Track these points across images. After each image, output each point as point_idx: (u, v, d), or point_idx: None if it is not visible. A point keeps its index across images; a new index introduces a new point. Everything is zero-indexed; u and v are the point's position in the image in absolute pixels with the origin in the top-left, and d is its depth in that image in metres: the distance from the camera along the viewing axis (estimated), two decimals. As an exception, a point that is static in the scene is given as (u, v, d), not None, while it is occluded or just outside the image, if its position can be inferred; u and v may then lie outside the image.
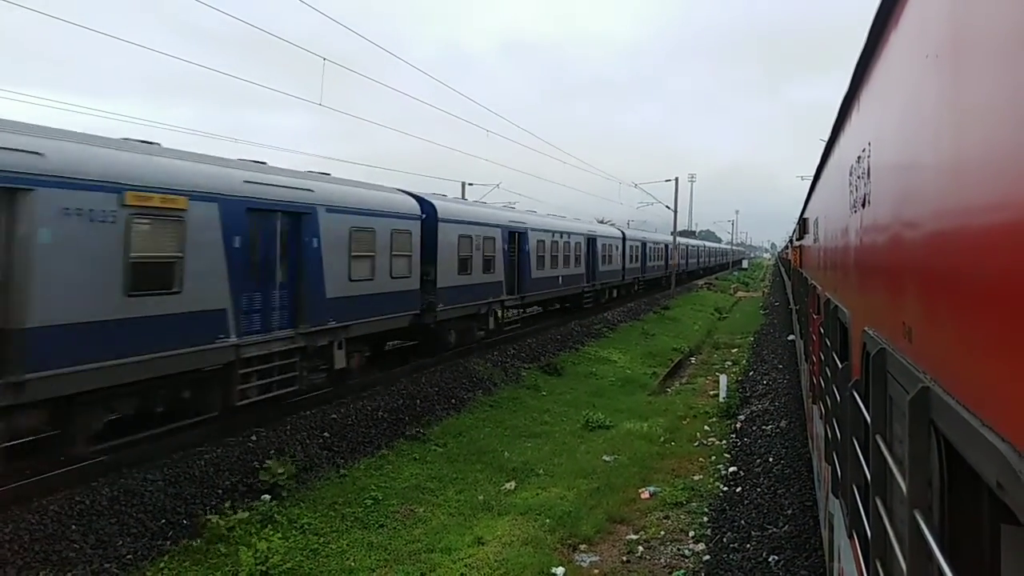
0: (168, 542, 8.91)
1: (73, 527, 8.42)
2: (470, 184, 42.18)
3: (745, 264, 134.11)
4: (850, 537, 3.48)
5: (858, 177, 3.52)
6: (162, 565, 8.44)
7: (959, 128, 1.62)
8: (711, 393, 19.77)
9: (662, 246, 52.02)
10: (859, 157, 3.47)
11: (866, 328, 3.02)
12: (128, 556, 8.44)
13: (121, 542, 8.58)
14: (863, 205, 3.32)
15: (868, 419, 2.70)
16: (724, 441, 14.68)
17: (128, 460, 10.12)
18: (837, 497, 4.43)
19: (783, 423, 14.90)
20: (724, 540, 9.46)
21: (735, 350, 28.83)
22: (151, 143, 11.24)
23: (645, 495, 11.38)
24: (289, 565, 8.56)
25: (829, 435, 5.06)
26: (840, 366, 4.19)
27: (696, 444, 14.59)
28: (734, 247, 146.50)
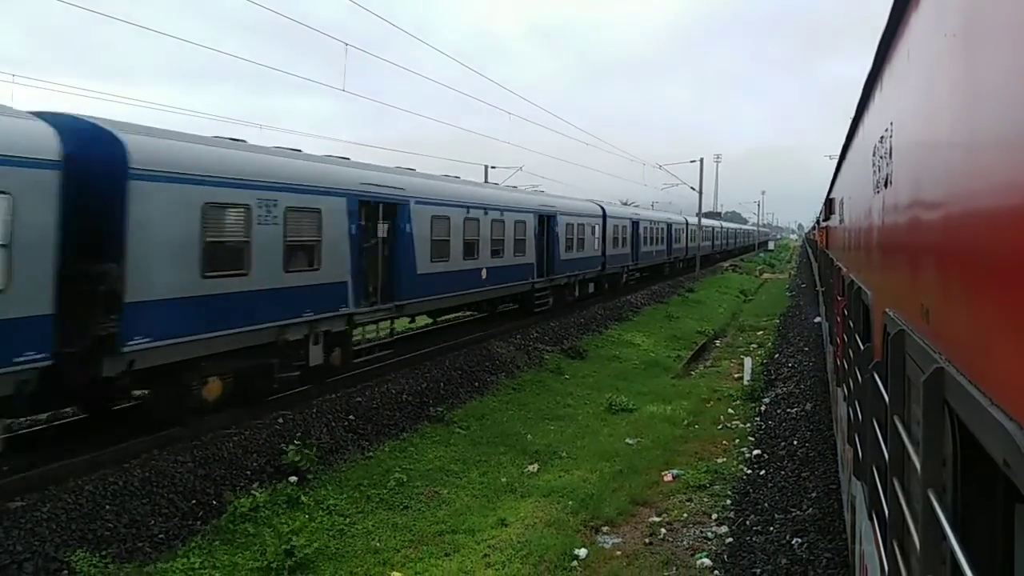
0: (198, 522, 9.12)
1: (107, 507, 8.65)
2: (492, 167, 42.17)
3: (771, 246, 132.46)
4: (871, 519, 3.48)
5: (881, 157, 3.48)
6: (192, 545, 8.65)
7: (977, 108, 1.61)
8: (735, 376, 19.68)
9: (662, 226, 42.99)
10: (882, 137, 3.44)
11: (887, 309, 3.00)
12: (160, 536, 8.66)
13: (153, 522, 8.80)
14: (886, 185, 3.29)
15: (887, 400, 2.69)
16: (748, 424, 14.63)
17: (158, 442, 10.35)
18: (859, 479, 4.42)
19: (808, 406, 14.81)
20: (747, 523, 9.46)
21: (760, 332, 28.62)
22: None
23: (668, 478, 11.40)
24: (316, 545, 8.72)
25: (851, 417, 5.03)
26: (862, 347, 4.16)
27: (720, 427, 14.56)
28: (759, 228, 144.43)
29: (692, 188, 52.64)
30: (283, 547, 8.34)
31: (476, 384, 16.51)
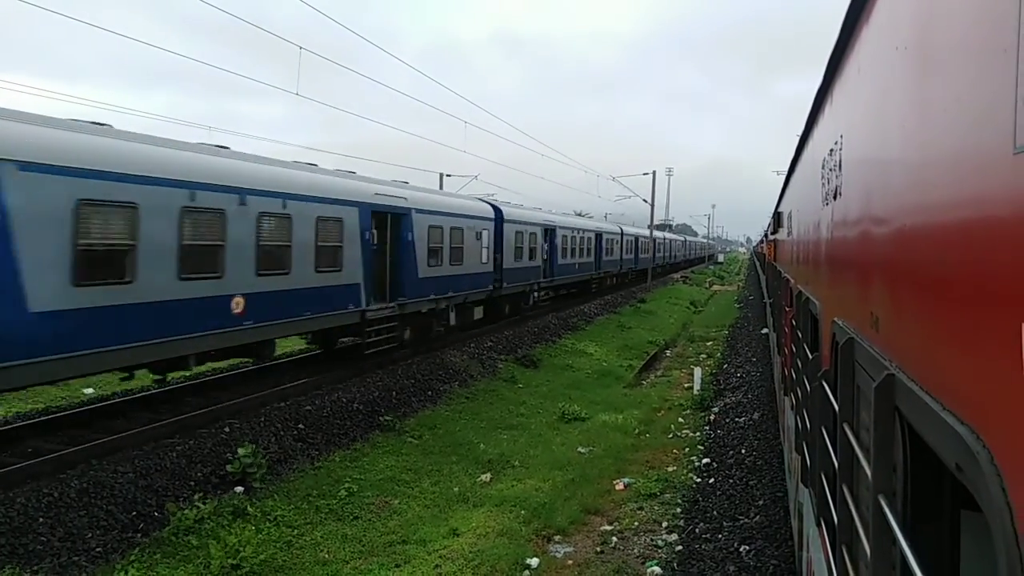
0: (139, 535, 8.79)
1: (40, 520, 8.28)
2: (448, 175, 42.05)
3: (721, 258, 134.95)
4: (818, 525, 3.54)
5: (830, 170, 3.56)
6: (132, 558, 8.32)
7: (925, 121, 1.64)
8: (686, 386, 19.94)
9: (589, 235, 36.95)
10: (831, 150, 3.51)
11: (836, 319, 3.06)
12: (97, 549, 8.32)
13: (90, 534, 8.45)
14: (835, 197, 3.36)
15: (836, 408, 2.74)
16: (698, 433, 14.82)
17: (98, 452, 9.97)
18: (807, 486, 4.49)
19: (756, 415, 15.08)
20: (696, 530, 9.56)
21: (710, 343, 29.10)
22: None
23: (620, 486, 11.46)
24: (262, 557, 8.50)
25: (799, 426, 5.12)
26: (811, 357, 4.24)
27: (670, 436, 14.72)
28: (709, 239, 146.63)
29: (645, 200, 53.42)
30: (230, 561, 8.10)
31: (429, 393, 16.38)
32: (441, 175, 41.96)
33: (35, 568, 7.67)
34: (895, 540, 1.57)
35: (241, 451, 10.51)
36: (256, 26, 18.97)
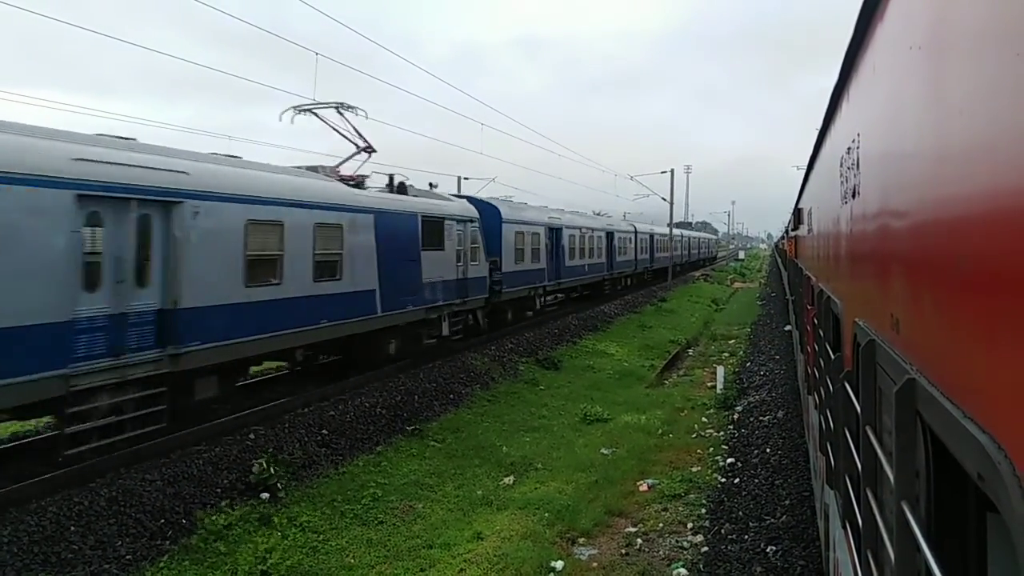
0: (167, 542, 8.91)
1: (72, 528, 8.42)
2: (466, 179, 42.13)
3: (742, 255, 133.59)
4: (844, 527, 3.50)
5: (848, 168, 3.52)
6: (161, 565, 8.44)
7: (941, 119, 1.62)
8: (708, 385, 19.80)
9: (600, 234, 35.08)
10: (849, 148, 3.48)
11: (857, 319, 3.03)
12: (127, 556, 8.44)
13: (120, 542, 8.57)
14: (853, 196, 3.33)
15: (859, 410, 2.70)
16: (722, 432, 14.71)
17: (126, 460, 10.11)
18: (832, 488, 4.44)
19: (780, 414, 14.94)
20: (722, 531, 9.49)
21: (732, 341, 28.88)
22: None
23: (643, 487, 11.40)
24: (289, 563, 8.57)
25: (823, 426, 5.07)
26: (832, 357, 4.20)
27: (694, 436, 14.62)
28: (729, 236, 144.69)
29: (663, 199, 53.14)
30: (258, 567, 8.18)
31: (451, 396, 16.41)
32: (459, 178, 42.07)
33: (68, 575, 7.80)
34: (919, 548, 1.55)
35: (257, 466, 10.59)
36: (272, 33, 19.19)
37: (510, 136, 33.88)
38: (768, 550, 8.66)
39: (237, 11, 15.26)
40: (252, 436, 11.78)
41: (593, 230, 34.18)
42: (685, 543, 9.33)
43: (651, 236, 48.83)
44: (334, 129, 17.49)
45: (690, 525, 9.91)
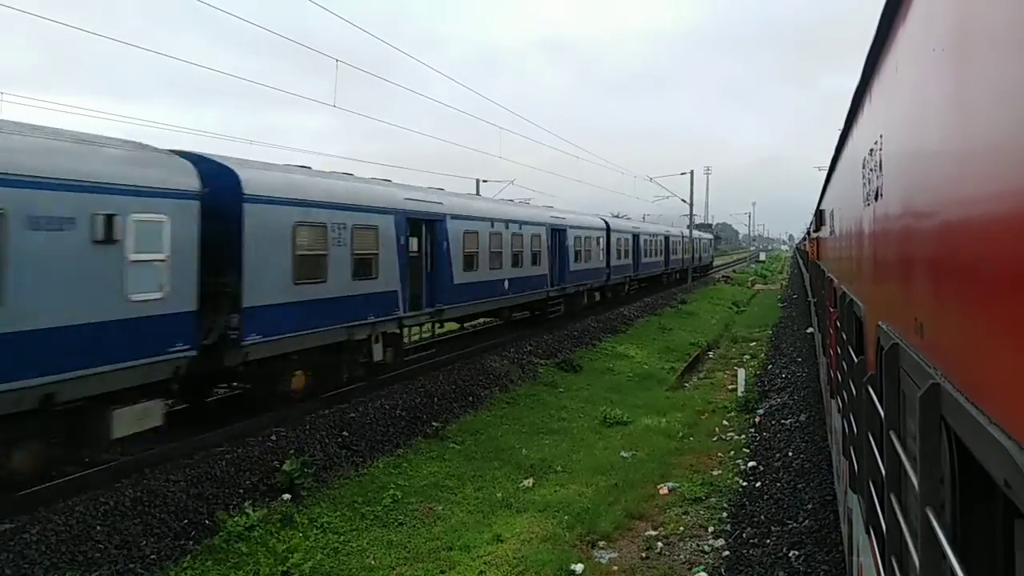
0: (191, 542, 9.02)
1: (98, 527, 8.55)
2: (484, 181, 42.21)
3: (762, 256, 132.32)
4: (868, 533, 3.46)
5: (871, 170, 3.49)
6: (185, 565, 8.55)
7: (965, 121, 1.61)
8: (729, 387, 19.66)
9: (597, 235, 31.07)
10: (871, 150, 3.45)
11: (880, 322, 3.00)
12: (152, 556, 8.55)
13: (145, 542, 8.69)
14: (876, 198, 3.30)
15: (882, 415, 2.68)
16: (743, 436, 14.60)
17: (150, 460, 10.25)
18: (855, 492, 4.40)
19: (802, 417, 14.79)
20: (744, 535, 9.42)
21: (753, 344, 28.64)
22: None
23: (664, 491, 11.35)
24: (310, 564, 8.63)
25: (846, 429, 5.02)
26: (855, 360, 4.16)
27: (715, 439, 14.53)
28: (751, 238, 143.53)
29: (683, 200, 52.87)
30: (280, 567, 8.25)
31: (470, 398, 16.44)
32: (478, 181, 42.15)
33: (94, 574, 7.92)
34: (944, 555, 1.54)
35: (286, 466, 10.68)
36: (292, 40, 19.38)
37: (528, 139, 33.88)
38: (791, 555, 8.58)
39: (261, 18, 15.56)
40: (274, 438, 11.88)
41: (598, 230, 31.31)
42: (706, 547, 9.27)
43: (667, 238, 44.29)
44: None
45: (711, 529, 9.84)
